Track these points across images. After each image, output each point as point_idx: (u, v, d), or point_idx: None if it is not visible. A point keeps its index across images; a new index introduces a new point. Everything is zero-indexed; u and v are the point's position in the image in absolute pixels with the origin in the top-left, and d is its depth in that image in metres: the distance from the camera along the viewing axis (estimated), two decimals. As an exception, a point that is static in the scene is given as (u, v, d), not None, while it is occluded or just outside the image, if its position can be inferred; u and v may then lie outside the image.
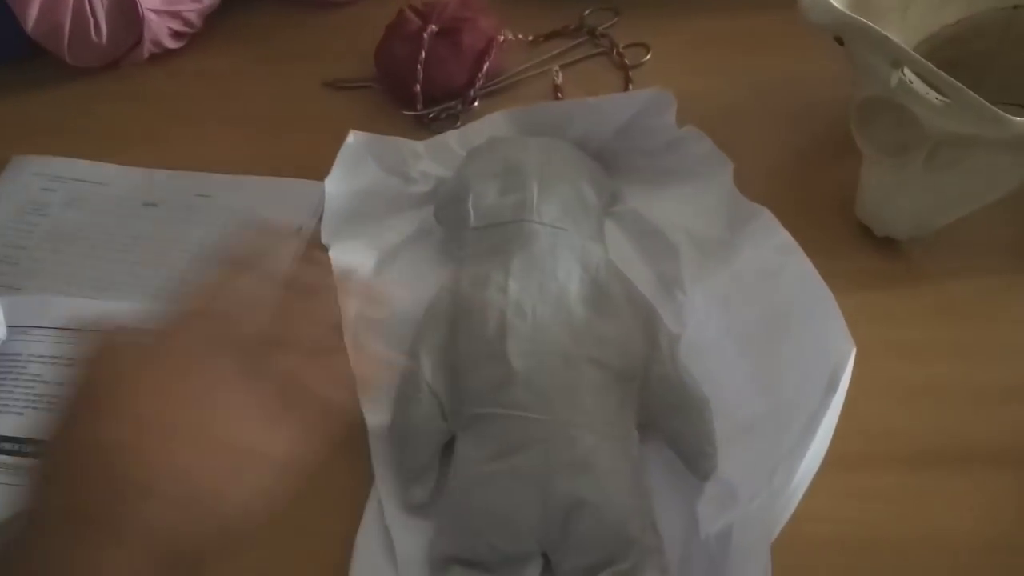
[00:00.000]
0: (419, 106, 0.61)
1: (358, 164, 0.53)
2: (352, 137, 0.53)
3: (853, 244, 0.51)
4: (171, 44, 0.69)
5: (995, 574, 0.39)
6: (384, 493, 0.42)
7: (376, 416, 0.44)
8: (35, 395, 0.48)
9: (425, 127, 0.60)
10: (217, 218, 0.58)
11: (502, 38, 0.63)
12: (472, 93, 0.61)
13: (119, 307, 0.52)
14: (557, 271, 0.45)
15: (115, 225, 0.58)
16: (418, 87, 0.60)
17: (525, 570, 0.39)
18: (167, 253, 0.56)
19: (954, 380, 0.45)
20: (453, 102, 0.61)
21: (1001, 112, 0.43)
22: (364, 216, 0.52)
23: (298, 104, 0.65)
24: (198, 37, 0.70)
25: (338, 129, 0.56)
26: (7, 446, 0.46)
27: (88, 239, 0.57)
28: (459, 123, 0.61)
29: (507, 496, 0.40)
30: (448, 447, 0.43)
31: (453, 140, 0.55)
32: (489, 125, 0.55)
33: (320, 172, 0.59)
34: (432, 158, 0.55)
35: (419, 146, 0.55)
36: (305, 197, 0.58)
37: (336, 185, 0.51)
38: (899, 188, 0.48)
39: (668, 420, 0.43)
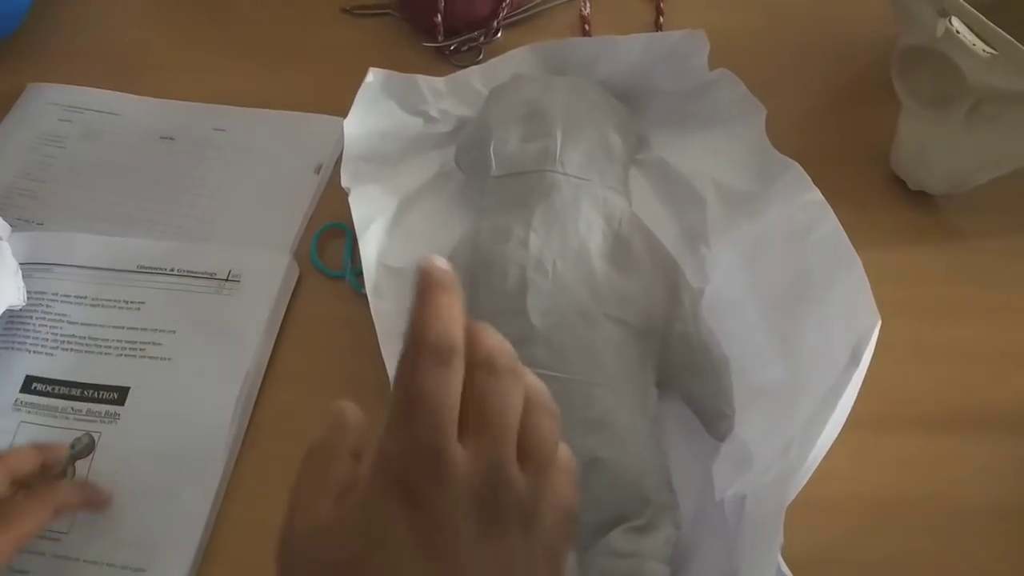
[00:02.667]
0: (440, 37, 0.58)
1: (377, 103, 0.51)
2: (372, 75, 0.51)
3: (885, 196, 0.50)
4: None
5: (1011, 539, 0.39)
6: (406, 444, 0.43)
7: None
8: (63, 335, 0.49)
9: (446, 59, 0.59)
10: (234, 153, 0.57)
11: (528, -35, 0.60)
12: (495, 24, 0.59)
13: (135, 243, 0.52)
14: (579, 225, 0.44)
15: (133, 159, 0.57)
16: (439, 17, 0.58)
17: None
18: (185, 189, 0.55)
19: (978, 343, 0.45)
20: (475, 33, 0.59)
21: (1051, 67, 0.41)
22: (384, 158, 0.51)
23: (315, 31, 0.63)
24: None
25: (356, 59, 0.54)
26: (39, 386, 0.47)
27: (106, 173, 0.57)
28: (481, 56, 0.59)
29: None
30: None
31: (475, 77, 0.53)
32: (513, 61, 0.53)
33: (337, 106, 0.57)
34: (453, 96, 0.53)
35: (440, 83, 0.53)
36: (323, 134, 0.57)
37: (355, 126, 0.50)
38: (937, 142, 0.46)
39: (687, 379, 0.43)
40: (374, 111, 0.51)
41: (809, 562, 0.38)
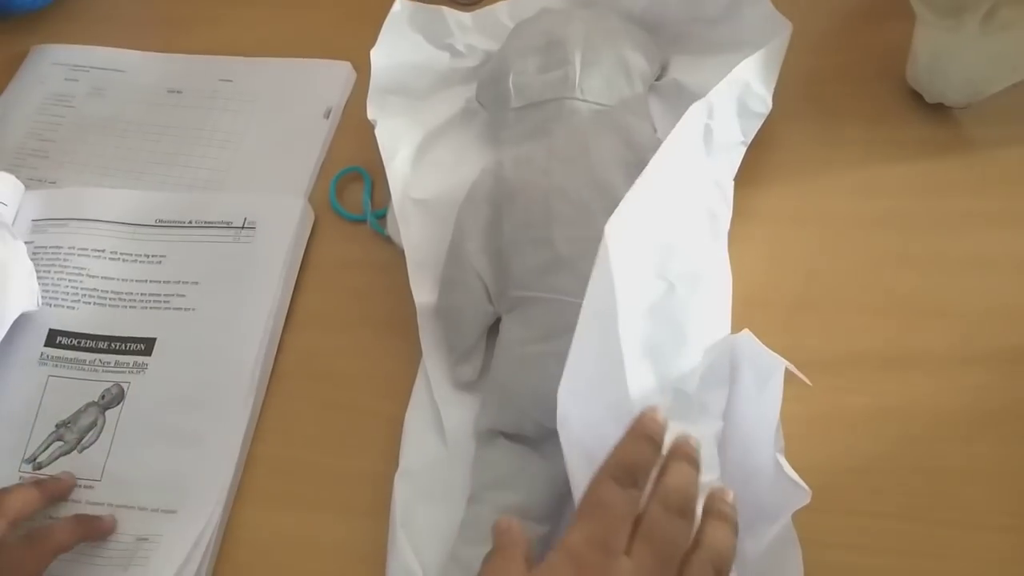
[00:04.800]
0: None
1: (404, 35, 0.51)
2: (398, 5, 0.51)
3: (902, 111, 0.49)
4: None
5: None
6: (432, 371, 0.43)
7: (424, 295, 0.44)
8: (83, 289, 0.49)
9: (456, 1, 0.58)
10: (242, 103, 0.57)
11: None
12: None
13: (152, 197, 0.52)
14: (602, 152, 0.44)
15: (141, 113, 0.57)
16: (445, -44, 0.57)
17: None
18: (195, 140, 0.55)
19: (1003, 253, 0.44)
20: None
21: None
22: (411, 91, 0.51)
23: (317, -23, 0.62)
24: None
25: (363, 5, 0.54)
26: (64, 340, 0.48)
27: (116, 128, 0.57)
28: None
29: (552, 378, 0.39)
30: (493, 328, 0.44)
31: (503, 12, 0.53)
32: None
33: (343, 52, 0.57)
34: (480, 31, 0.53)
35: (467, 18, 0.53)
36: (331, 79, 0.56)
37: (383, 57, 0.49)
38: (953, 51, 0.45)
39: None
40: (400, 43, 0.51)
41: (831, 474, 0.39)
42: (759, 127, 0.45)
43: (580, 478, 0.34)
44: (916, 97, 0.49)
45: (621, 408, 0.35)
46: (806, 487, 0.35)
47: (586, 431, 0.36)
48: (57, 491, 0.43)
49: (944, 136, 0.48)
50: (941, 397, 0.41)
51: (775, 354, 0.38)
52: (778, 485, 0.36)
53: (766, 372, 0.37)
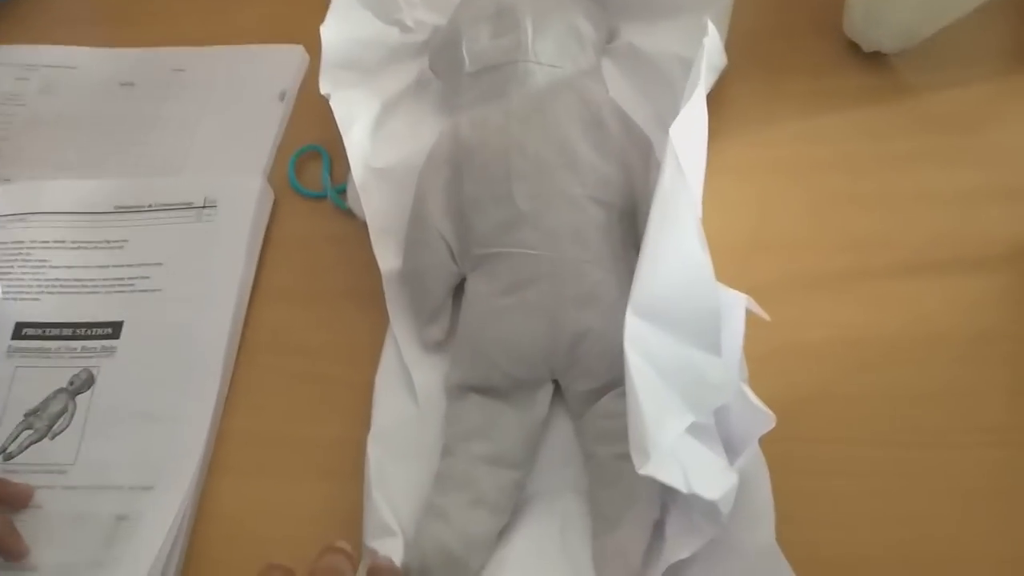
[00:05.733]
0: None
1: (353, 11, 0.52)
2: None
3: (842, 62, 0.51)
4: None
5: (987, 360, 0.41)
6: (400, 334, 0.44)
7: (388, 262, 0.45)
8: (47, 280, 0.49)
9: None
10: (196, 91, 0.57)
11: None
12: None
13: (109, 185, 0.52)
14: (557, 110, 0.45)
15: (94, 107, 0.57)
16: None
17: (537, 394, 0.41)
18: (149, 130, 0.55)
19: (944, 187, 0.46)
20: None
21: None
22: (363, 66, 0.51)
23: (266, -32, 0.63)
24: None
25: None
26: (30, 331, 0.48)
27: (69, 124, 0.57)
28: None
29: (518, 327, 0.41)
30: (459, 289, 0.44)
31: None
32: None
33: (297, 36, 0.58)
34: (428, 5, 0.54)
35: None
36: (283, 63, 0.57)
37: (332, 33, 0.50)
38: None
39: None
40: (350, 19, 0.51)
41: (795, 404, 0.40)
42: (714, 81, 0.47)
43: (647, 396, 0.34)
44: (854, 47, 0.51)
45: (707, 311, 0.36)
46: (770, 412, 0.36)
47: (663, 346, 0.35)
48: (9, 496, 0.42)
49: (882, 82, 0.50)
50: (894, 324, 0.42)
51: (736, 291, 0.39)
52: (744, 413, 0.37)
53: (727, 309, 0.38)
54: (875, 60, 0.50)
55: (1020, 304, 0.42)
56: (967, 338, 0.41)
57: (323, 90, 0.49)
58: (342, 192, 0.50)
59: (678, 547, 0.35)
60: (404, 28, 0.53)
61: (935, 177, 0.46)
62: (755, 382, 0.38)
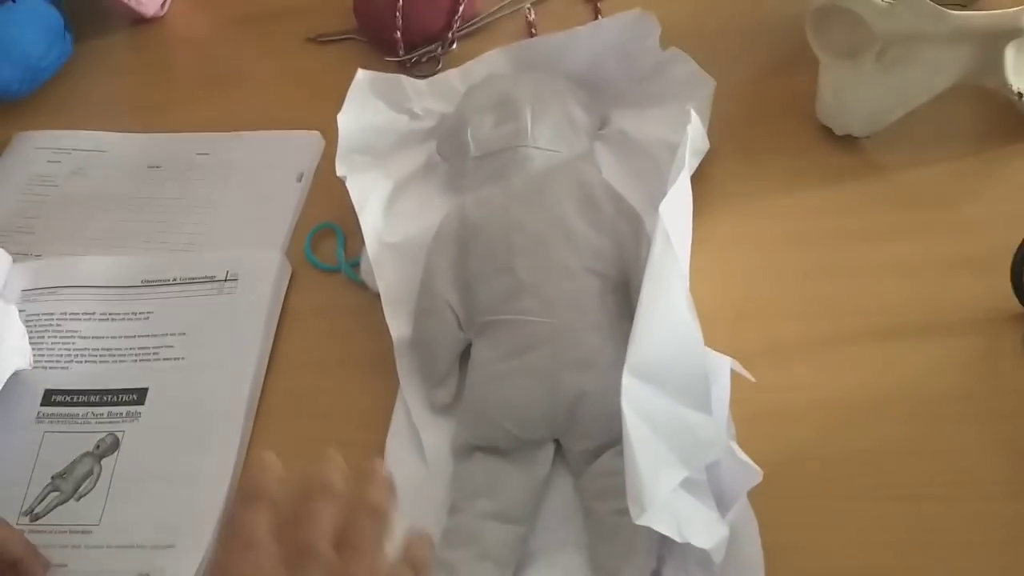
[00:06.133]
0: (400, 52, 0.64)
1: (367, 101, 0.56)
2: (361, 74, 0.56)
3: (816, 145, 0.55)
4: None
5: (964, 418, 0.44)
6: (410, 398, 0.47)
7: (399, 330, 0.48)
8: (76, 349, 0.52)
9: (408, 71, 0.64)
10: (219, 173, 0.61)
11: (474, -19, 0.66)
12: (450, 35, 0.64)
13: (136, 261, 0.55)
14: (554, 191, 0.49)
15: (122, 188, 0.61)
16: (398, 33, 0.63)
17: (539, 453, 0.44)
18: (175, 209, 0.59)
19: (916, 257, 0.49)
20: (433, 45, 0.64)
21: (940, 8, 0.47)
22: (376, 150, 0.56)
23: (284, 61, 0.68)
24: (177, 3, 0.73)
25: (326, 82, 0.59)
26: (59, 398, 0.50)
27: (97, 202, 0.61)
28: (440, 65, 0.64)
29: (520, 390, 0.44)
30: (465, 354, 0.48)
31: (454, 78, 0.59)
32: (486, 61, 0.59)
33: (313, 123, 0.62)
34: (435, 95, 0.58)
35: (422, 84, 0.58)
36: (302, 148, 0.61)
37: (348, 120, 0.55)
38: (854, 88, 0.52)
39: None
40: (364, 108, 0.56)
41: (781, 463, 0.42)
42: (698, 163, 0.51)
43: (643, 451, 0.37)
44: (826, 131, 0.55)
45: (697, 373, 0.39)
46: (757, 468, 0.38)
47: (657, 405, 0.38)
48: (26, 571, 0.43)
49: (854, 162, 0.54)
50: (871, 386, 0.45)
51: (721, 354, 0.42)
52: (733, 469, 0.39)
53: (715, 371, 0.41)
54: (847, 142, 0.55)
55: (987, 365, 0.45)
56: (940, 397, 0.44)
57: (339, 172, 0.53)
58: (355, 266, 0.53)
59: (674, 596, 0.37)
60: (413, 116, 0.58)
61: (906, 249, 0.50)
62: (743, 442, 0.40)
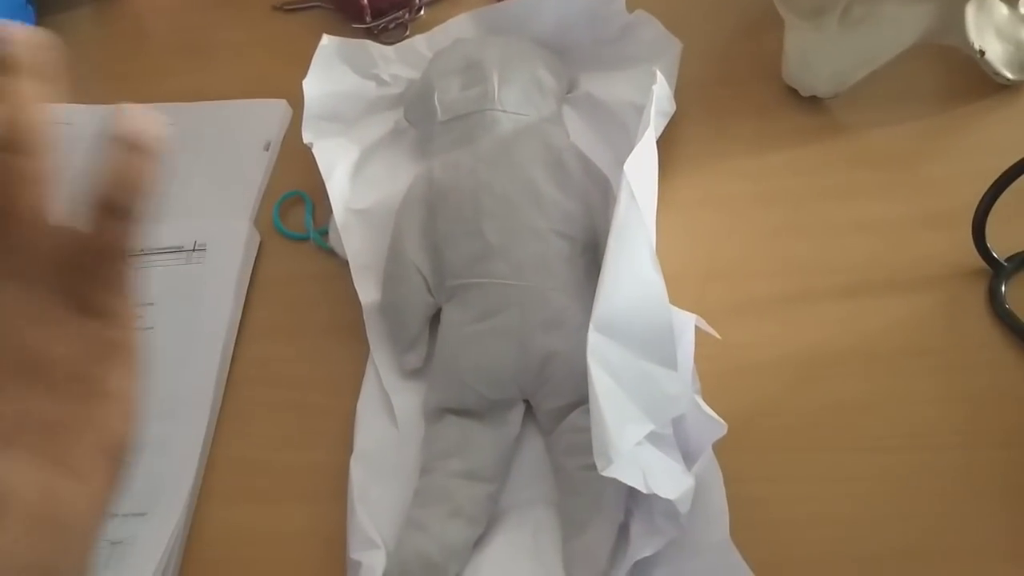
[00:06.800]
0: (368, 19, 0.63)
1: (333, 67, 0.56)
2: (326, 39, 0.56)
3: (782, 106, 0.55)
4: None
5: (925, 372, 0.44)
6: (380, 363, 0.47)
7: (368, 295, 0.48)
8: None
9: (375, 38, 0.63)
10: (185, 143, 0.60)
11: (440, -53, 0.65)
12: (417, 2, 0.64)
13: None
14: (522, 153, 0.49)
15: (87, 161, 0.60)
16: (365, 0, 0.62)
17: (509, 414, 0.44)
18: (143, 181, 0.59)
19: (876, 216, 0.50)
20: (400, 12, 0.64)
21: (902, -34, 0.48)
22: (342, 117, 0.55)
23: (250, 30, 0.67)
24: (142, -25, 0.72)
25: (293, 50, 0.59)
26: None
27: (63, 176, 0.60)
28: (408, 32, 0.64)
29: (490, 352, 0.44)
30: (435, 318, 0.48)
31: (421, 44, 0.58)
32: (455, 27, 0.58)
33: (280, 92, 0.62)
34: (402, 61, 0.58)
35: (389, 50, 0.58)
36: (269, 116, 0.60)
37: (314, 86, 0.54)
38: (818, 48, 0.52)
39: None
40: (330, 74, 0.56)
41: (746, 417, 0.43)
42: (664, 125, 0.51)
43: (609, 405, 0.37)
44: (792, 92, 0.55)
45: (662, 329, 0.39)
46: (722, 421, 0.39)
47: (622, 360, 0.38)
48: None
49: (819, 123, 0.55)
50: (835, 342, 0.46)
51: (687, 312, 0.42)
52: (697, 422, 0.40)
53: (680, 328, 0.42)
54: (812, 103, 0.55)
55: (949, 320, 0.46)
56: (901, 352, 0.45)
57: (306, 140, 0.53)
58: (324, 233, 0.53)
59: (642, 546, 0.38)
60: (380, 82, 0.58)
61: (869, 207, 0.50)
62: (709, 397, 0.41)
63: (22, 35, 0.27)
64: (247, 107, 0.61)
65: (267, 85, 0.62)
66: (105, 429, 0.26)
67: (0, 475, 0.23)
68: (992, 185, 0.45)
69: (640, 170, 0.43)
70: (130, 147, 0.30)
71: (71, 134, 0.62)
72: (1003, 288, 0.46)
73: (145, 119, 0.30)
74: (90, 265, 0.27)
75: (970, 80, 0.54)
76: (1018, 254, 0.47)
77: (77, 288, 0.27)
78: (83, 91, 0.65)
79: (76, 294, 0.27)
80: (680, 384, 0.40)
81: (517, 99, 0.52)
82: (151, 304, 0.51)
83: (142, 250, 0.54)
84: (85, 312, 0.27)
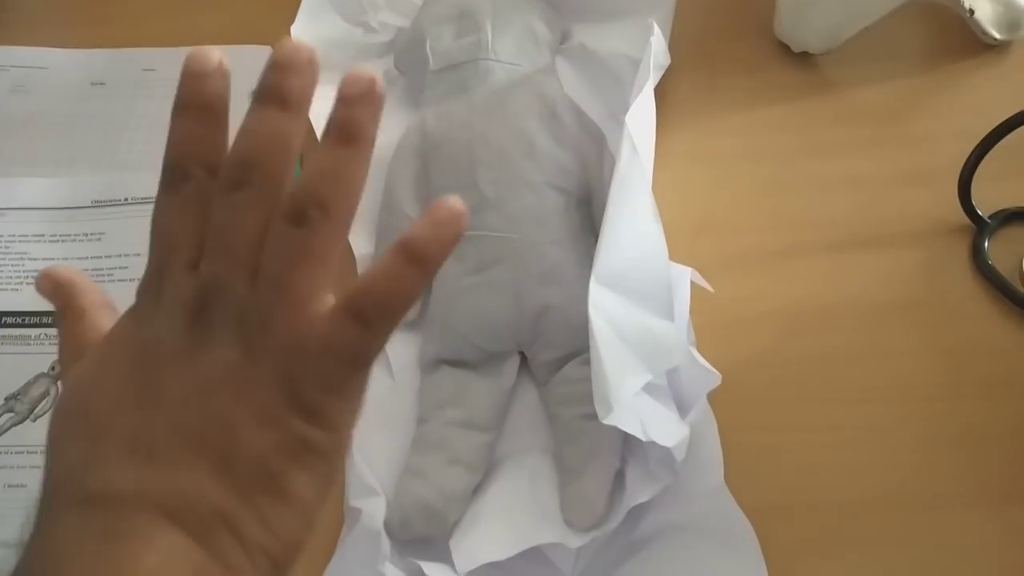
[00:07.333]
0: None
1: (321, 14, 0.55)
2: None
3: (774, 61, 0.56)
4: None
5: (909, 325, 0.46)
6: (375, 314, 0.47)
7: (361, 247, 0.48)
8: (26, 271, 0.51)
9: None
10: (166, 90, 0.58)
11: None
12: (406, -52, 0.62)
13: (85, 181, 0.54)
14: (516, 104, 0.48)
15: (65, 107, 0.59)
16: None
17: (504, 365, 0.45)
18: (121, 127, 0.57)
19: (868, 172, 0.51)
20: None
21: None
22: (330, 65, 0.54)
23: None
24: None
25: (277, -5, 0.58)
26: (10, 319, 0.49)
27: (41, 123, 0.58)
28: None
29: (485, 303, 0.44)
30: (428, 270, 0.48)
31: None
32: None
33: (266, 38, 0.60)
34: (392, 8, 0.57)
35: None
36: (254, 63, 0.57)
37: (302, 34, 0.53)
38: (811, 4, 0.52)
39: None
40: (319, 21, 0.55)
41: (739, 368, 0.44)
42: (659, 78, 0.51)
43: (609, 355, 0.37)
44: (784, 48, 0.56)
45: (661, 282, 0.40)
46: (716, 372, 0.40)
47: (622, 311, 0.39)
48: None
49: (810, 79, 0.55)
50: (823, 296, 0.47)
51: (682, 265, 0.43)
52: (692, 373, 0.41)
53: (676, 281, 0.42)
54: (804, 59, 0.55)
55: (933, 275, 0.47)
56: (887, 306, 0.46)
57: (295, 86, 0.52)
58: (313, 184, 0.53)
59: (637, 492, 0.39)
60: (369, 29, 0.57)
61: (858, 163, 0.51)
62: (703, 349, 0.41)
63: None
64: (231, 53, 0.57)
65: (252, 31, 0.60)
66: (273, 532, 0.24)
67: (156, 552, 0.22)
68: (979, 143, 0.46)
69: (640, 122, 0.43)
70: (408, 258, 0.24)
71: (46, 79, 0.61)
72: (986, 244, 0.47)
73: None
74: (322, 364, 0.24)
75: (959, 39, 0.55)
76: (1001, 211, 0.48)
77: (298, 379, 0.24)
78: (57, 34, 0.63)
79: (294, 384, 0.24)
80: (677, 336, 0.40)
81: (511, 49, 0.51)
82: (137, 255, 0.51)
83: (126, 199, 0.53)
84: (294, 405, 0.24)
